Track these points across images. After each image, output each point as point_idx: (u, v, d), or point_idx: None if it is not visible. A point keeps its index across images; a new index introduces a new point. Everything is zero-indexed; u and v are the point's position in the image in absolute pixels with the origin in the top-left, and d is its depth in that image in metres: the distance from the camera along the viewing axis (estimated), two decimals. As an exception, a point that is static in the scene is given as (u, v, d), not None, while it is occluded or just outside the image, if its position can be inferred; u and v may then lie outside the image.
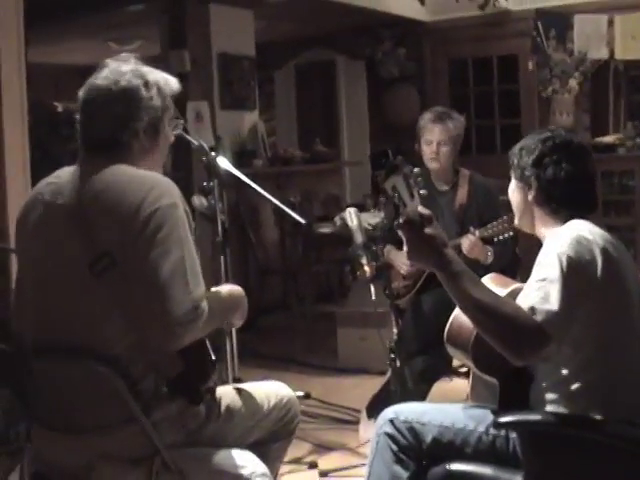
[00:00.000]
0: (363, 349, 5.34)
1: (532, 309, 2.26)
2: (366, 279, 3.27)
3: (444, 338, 2.61)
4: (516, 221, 2.68)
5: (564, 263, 2.30)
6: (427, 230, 2.27)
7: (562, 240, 2.36)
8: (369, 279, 3.25)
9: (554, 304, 2.26)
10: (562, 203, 2.52)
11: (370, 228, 3.51)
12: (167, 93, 2.52)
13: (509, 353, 2.27)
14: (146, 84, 2.46)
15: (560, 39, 8.09)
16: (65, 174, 2.45)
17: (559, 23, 8.09)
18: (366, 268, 3.22)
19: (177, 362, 2.32)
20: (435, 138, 4.51)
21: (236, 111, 7.81)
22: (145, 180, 2.35)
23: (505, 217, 4.02)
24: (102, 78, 2.45)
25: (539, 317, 2.25)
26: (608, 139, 7.88)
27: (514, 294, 2.48)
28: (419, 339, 4.16)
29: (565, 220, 2.50)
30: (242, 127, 7.89)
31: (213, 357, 2.45)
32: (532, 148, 2.56)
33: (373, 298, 3.43)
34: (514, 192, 2.63)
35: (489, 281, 2.60)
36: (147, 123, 2.46)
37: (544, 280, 2.30)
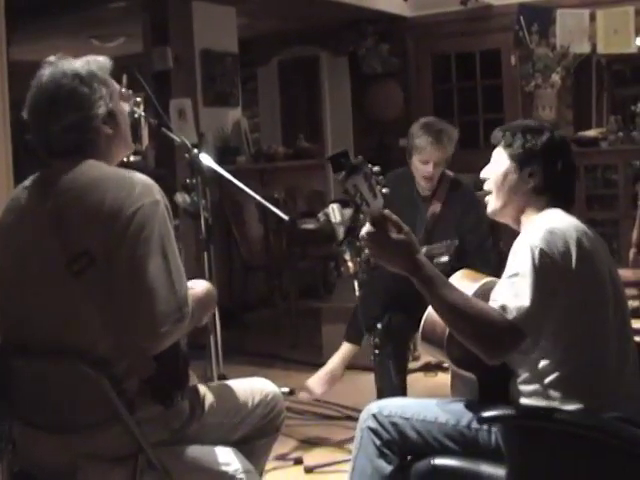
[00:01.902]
0: None
1: (503, 307, 2.28)
2: (350, 274, 3.28)
3: (419, 336, 2.60)
4: (493, 207, 2.61)
5: (536, 256, 2.30)
6: (395, 236, 2.29)
7: (535, 231, 2.37)
8: (353, 274, 3.26)
9: (525, 300, 2.27)
10: (557, 195, 2.54)
11: (351, 224, 3.52)
12: (105, 75, 2.47)
13: (483, 354, 2.30)
14: (81, 78, 2.40)
15: (543, 34, 8.11)
16: (39, 177, 2.44)
17: (541, 18, 8.11)
18: (349, 264, 3.23)
19: (149, 364, 2.31)
20: (432, 160, 4.41)
21: (219, 108, 7.80)
22: (124, 179, 2.34)
23: (448, 242, 4.04)
24: (43, 84, 2.40)
25: (510, 315, 2.26)
26: (591, 133, 7.91)
27: (485, 289, 2.51)
28: (381, 302, 4.18)
29: (544, 209, 2.52)
30: (225, 124, 7.89)
31: (186, 358, 2.44)
32: (538, 132, 2.56)
33: (357, 294, 3.45)
34: (506, 175, 2.57)
35: (460, 277, 2.61)
36: (102, 114, 2.42)
37: (516, 275, 2.31)
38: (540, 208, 2.53)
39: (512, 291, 2.29)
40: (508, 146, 2.58)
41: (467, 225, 4.36)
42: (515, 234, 2.53)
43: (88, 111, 2.40)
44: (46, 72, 2.42)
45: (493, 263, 4.24)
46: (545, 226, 2.38)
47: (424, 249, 4.05)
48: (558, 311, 2.32)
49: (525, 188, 2.54)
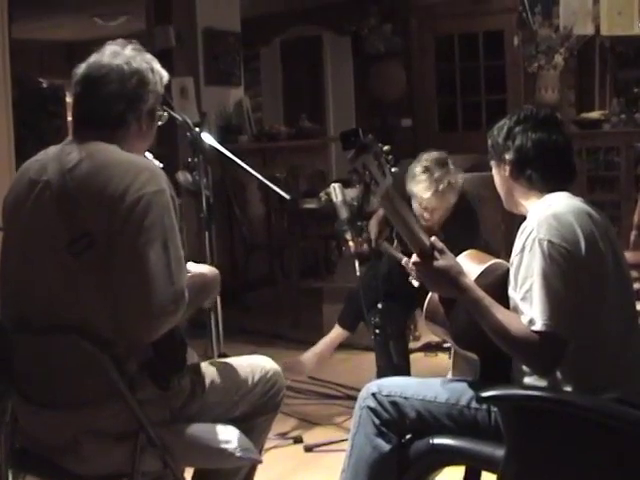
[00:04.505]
0: None
1: (530, 320, 2.28)
2: (351, 254, 3.28)
3: (423, 315, 2.61)
4: (504, 204, 2.67)
5: (545, 251, 2.30)
6: (439, 263, 2.36)
7: (540, 222, 2.35)
8: (354, 254, 3.26)
9: (546, 303, 2.27)
10: (536, 174, 2.52)
11: (355, 204, 3.50)
12: (164, 82, 2.56)
13: (535, 373, 2.35)
14: (152, 70, 2.50)
15: (546, 15, 8.07)
16: (52, 151, 2.45)
17: (545, -1, 8.08)
18: (351, 243, 3.23)
19: (146, 348, 2.32)
20: (431, 207, 4.10)
21: (221, 87, 7.80)
22: (133, 165, 2.35)
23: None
24: (110, 57, 2.46)
25: (539, 326, 2.26)
26: (593, 115, 7.88)
27: (490, 270, 2.53)
28: (382, 285, 4.06)
29: (543, 194, 2.51)
30: (227, 103, 7.88)
31: (184, 342, 2.44)
32: (501, 125, 2.59)
33: (358, 274, 3.45)
34: (495, 175, 2.64)
35: (466, 258, 2.60)
36: (149, 107, 2.49)
37: (530, 278, 2.31)
38: (537, 193, 2.52)
39: (531, 298, 2.30)
40: (489, 151, 2.63)
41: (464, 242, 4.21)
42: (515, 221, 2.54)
43: (145, 92, 2.46)
44: (118, 48, 2.48)
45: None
46: (549, 213, 2.37)
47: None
48: (572, 297, 2.31)
49: (506, 178, 2.57)
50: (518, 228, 2.43)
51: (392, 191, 2.24)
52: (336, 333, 4.63)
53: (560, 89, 8.15)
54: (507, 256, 2.51)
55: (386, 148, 2.26)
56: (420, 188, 4.06)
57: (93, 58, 2.48)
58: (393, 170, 2.25)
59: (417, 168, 4.09)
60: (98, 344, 2.26)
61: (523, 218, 2.51)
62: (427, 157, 4.11)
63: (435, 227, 4.13)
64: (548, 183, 2.52)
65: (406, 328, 4.56)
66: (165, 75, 2.58)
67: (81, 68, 2.48)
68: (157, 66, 2.54)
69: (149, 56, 2.54)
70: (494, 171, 2.64)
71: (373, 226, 4.35)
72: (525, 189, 2.55)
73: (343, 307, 4.65)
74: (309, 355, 4.68)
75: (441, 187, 4.05)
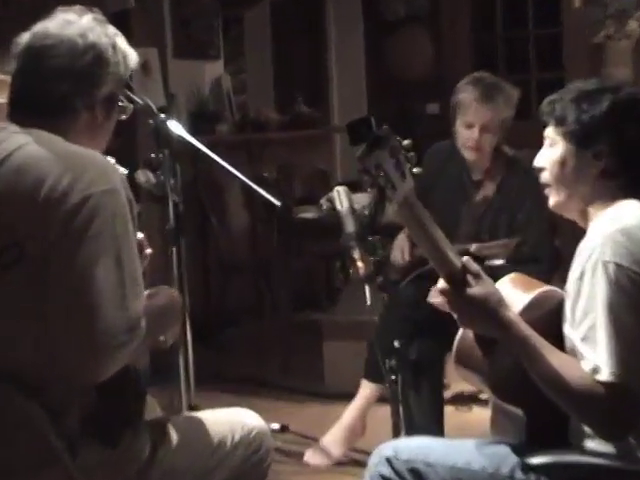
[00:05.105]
0: (356, 368, 5.25)
1: (594, 369, 2.27)
2: (360, 278, 3.28)
3: (453, 358, 2.62)
4: (554, 201, 2.63)
5: (612, 277, 2.29)
6: (473, 291, 2.34)
7: (605, 239, 2.34)
8: (364, 278, 3.26)
9: (615, 346, 2.26)
10: (636, 177, 2.51)
11: (365, 213, 3.50)
12: (129, 65, 2.58)
13: (600, 436, 2.32)
14: (114, 46, 2.52)
15: (616, -31, 8.10)
16: None
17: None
18: (359, 264, 3.21)
19: (89, 394, 2.32)
20: (479, 122, 4.39)
21: (194, 61, 7.81)
22: (78, 158, 2.36)
23: (506, 240, 4.11)
24: (61, 26, 2.48)
25: (605, 376, 2.25)
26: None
27: (540, 300, 2.53)
28: (404, 328, 4.13)
29: (617, 199, 2.50)
30: (202, 82, 7.90)
31: (141, 387, 2.45)
32: (596, 97, 2.51)
33: (368, 303, 3.44)
34: (564, 162, 2.57)
35: (509, 284, 2.60)
36: (107, 93, 2.51)
37: (592, 312, 2.30)
38: (612, 198, 2.51)
39: (594, 338, 2.29)
40: (560, 123, 2.56)
41: (522, 216, 4.36)
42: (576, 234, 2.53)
43: (100, 73, 2.48)
44: (72, 16, 2.51)
45: (550, 267, 4.24)
46: (612, 227, 2.37)
47: (473, 247, 4.12)
48: None
49: (592, 174, 2.53)
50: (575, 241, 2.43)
51: (413, 198, 2.25)
52: (365, 392, 4.61)
53: (635, 64, 8.15)
54: (562, 282, 2.52)
55: (406, 142, 2.26)
56: (466, 95, 4.40)
57: (39, 26, 2.50)
58: (415, 171, 2.25)
59: (463, 81, 4.50)
60: (28, 391, 2.26)
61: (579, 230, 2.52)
62: (475, 73, 4.56)
63: (488, 185, 4.41)
64: (629, 191, 2.51)
65: (442, 373, 4.58)
66: (132, 55, 2.60)
67: (24, 38, 2.49)
68: (121, 42, 2.56)
69: (112, 29, 2.55)
70: (565, 155, 2.57)
71: (402, 243, 4.47)
72: (610, 194, 2.51)
73: (367, 354, 4.62)
74: (335, 433, 4.68)
75: (495, 93, 4.38)
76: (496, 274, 2.51)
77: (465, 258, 2.39)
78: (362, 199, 4.14)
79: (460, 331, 2.58)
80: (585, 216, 2.57)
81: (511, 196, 4.42)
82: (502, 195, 4.45)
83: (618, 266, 2.30)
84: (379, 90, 9.28)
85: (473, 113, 4.38)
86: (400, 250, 4.50)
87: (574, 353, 2.35)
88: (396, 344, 3.70)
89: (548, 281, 2.68)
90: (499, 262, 4.05)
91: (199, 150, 3.80)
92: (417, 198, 2.27)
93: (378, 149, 2.16)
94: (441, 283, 2.40)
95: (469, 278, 2.37)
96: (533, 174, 4.25)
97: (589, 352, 2.29)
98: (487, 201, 4.47)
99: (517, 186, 4.40)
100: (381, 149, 2.16)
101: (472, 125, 4.39)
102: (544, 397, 2.35)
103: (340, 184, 4.16)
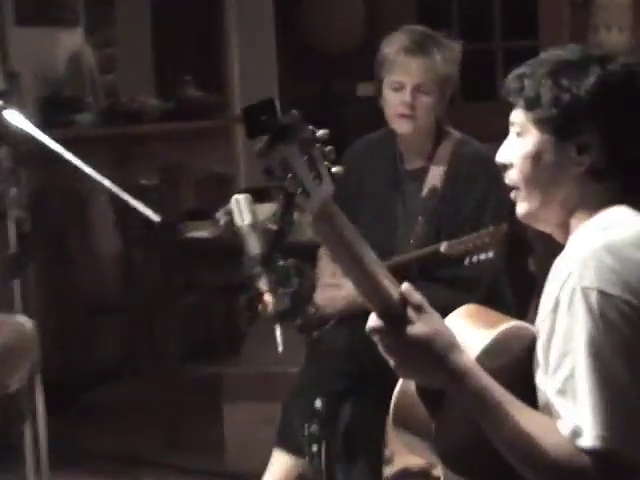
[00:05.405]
0: (267, 437, 5.14)
1: (575, 432, 2.20)
2: (269, 316, 3.12)
3: (390, 419, 2.49)
4: (524, 209, 2.51)
5: (595, 309, 2.20)
6: (415, 330, 2.24)
7: (585, 259, 2.25)
8: (274, 316, 3.13)
9: (600, 401, 2.18)
10: (632, 177, 2.42)
11: (273, 228, 3.39)
12: None
13: None
14: None
15: None
16: None
17: None
18: (268, 298, 3.11)
19: None
20: (410, 79, 4.28)
21: (44, 28, 7.72)
22: None
23: (490, 229, 4.01)
24: None
25: (589, 440, 2.18)
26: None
27: (506, 342, 2.44)
28: (337, 377, 4.17)
29: (604, 205, 2.39)
30: (55, 57, 7.81)
31: None
32: (580, 71, 2.39)
33: (280, 349, 3.30)
34: (539, 156, 2.45)
35: (463, 318, 2.52)
36: None
37: (571, 355, 2.23)
38: (599, 204, 2.40)
39: (574, 391, 2.23)
40: (531, 106, 2.43)
41: (466, 209, 4.33)
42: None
43: None
44: None
45: (509, 297, 4.28)
46: (601, 242, 2.28)
47: (443, 246, 4.04)
48: None
49: (574, 173, 2.42)
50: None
51: (332, 206, 2.14)
52: (279, 466, 4.53)
53: (632, 27, 8.06)
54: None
55: (321, 133, 2.11)
56: (391, 48, 4.31)
57: None
58: (335, 170, 2.12)
59: (389, 36, 4.42)
60: None
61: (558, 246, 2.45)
62: (401, 29, 4.45)
63: (433, 174, 4.34)
64: (621, 196, 2.40)
65: (383, 443, 4.59)
66: None
67: None
68: None
69: None
70: (538, 147, 2.44)
71: (324, 268, 4.43)
72: (597, 199, 2.41)
73: (281, 418, 4.59)
74: None
75: (428, 42, 4.28)
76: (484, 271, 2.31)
77: (404, 286, 2.28)
78: (268, 210, 4.04)
79: (399, 383, 2.46)
80: (565, 228, 2.48)
81: (462, 187, 4.37)
82: (455, 184, 4.38)
83: (603, 294, 2.21)
84: (294, 67, 9.30)
85: (401, 68, 4.28)
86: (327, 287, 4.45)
87: (549, 410, 2.29)
88: (317, 404, 3.60)
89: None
90: (488, 255, 4.01)
91: (51, 149, 3.69)
92: (338, 206, 2.17)
93: (283, 142, 2.05)
94: (373, 319, 2.28)
95: (410, 312, 2.26)
96: (485, 156, 4.24)
97: (567, 409, 2.24)
98: (436, 192, 4.38)
99: (471, 173, 4.36)
100: (287, 142, 2.05)
101: (402, 85, 4.29)
102: (510, 469, 2.30)
103: (243, 191, 4.01)
